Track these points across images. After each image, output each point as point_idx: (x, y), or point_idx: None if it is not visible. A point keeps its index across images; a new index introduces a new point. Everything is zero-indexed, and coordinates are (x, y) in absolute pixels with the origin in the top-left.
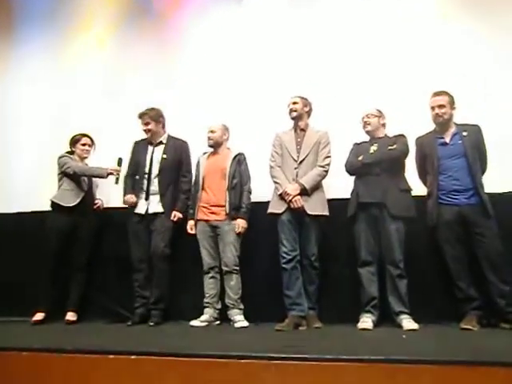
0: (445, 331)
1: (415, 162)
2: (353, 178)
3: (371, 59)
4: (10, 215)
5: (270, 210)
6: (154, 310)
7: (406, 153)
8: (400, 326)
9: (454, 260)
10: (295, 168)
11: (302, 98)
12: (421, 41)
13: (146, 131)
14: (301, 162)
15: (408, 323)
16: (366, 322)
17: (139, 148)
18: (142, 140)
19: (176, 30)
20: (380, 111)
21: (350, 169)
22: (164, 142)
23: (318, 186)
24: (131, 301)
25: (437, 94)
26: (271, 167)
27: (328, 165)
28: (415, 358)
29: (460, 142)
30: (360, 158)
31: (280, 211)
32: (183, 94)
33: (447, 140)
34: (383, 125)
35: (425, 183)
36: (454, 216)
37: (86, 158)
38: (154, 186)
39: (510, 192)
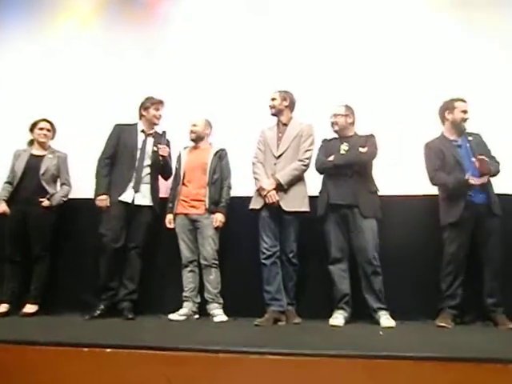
0: (420, 328)
1: (428, 164)
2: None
3: (361, 52)
4: None
5: (250, 206)
6: (126, 301)
7: (375, 156)
8: (377, 323)
9: (453, 257)
10: (274, 163)
11: (281, 92)
12: (413, 35)
13: (159, 118)
14: (279, 156)
15: (386, 320)
16: (337, 318)
17: (124, 132)
18: (127, 125)
19: (160, 19)
20: (348, 108)
21: (321, 168)
22: (153, 134)
23: (296, 181)
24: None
25: (463, 99)
26: (253, 163)
27: (308, 158)
28: (393, 354)
29: (468, 145)
30: (331, 159)
31: (258, 207)
32: (166, 87)
33: (460, 142)
34: (352, 123)
35: (439, 184)
36: (468, 213)
37: (43, 142)
38: (144, 176)
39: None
